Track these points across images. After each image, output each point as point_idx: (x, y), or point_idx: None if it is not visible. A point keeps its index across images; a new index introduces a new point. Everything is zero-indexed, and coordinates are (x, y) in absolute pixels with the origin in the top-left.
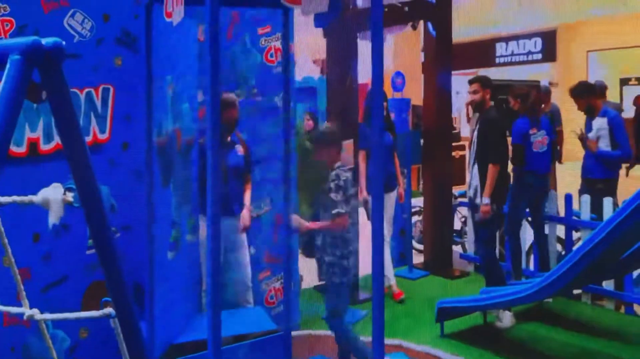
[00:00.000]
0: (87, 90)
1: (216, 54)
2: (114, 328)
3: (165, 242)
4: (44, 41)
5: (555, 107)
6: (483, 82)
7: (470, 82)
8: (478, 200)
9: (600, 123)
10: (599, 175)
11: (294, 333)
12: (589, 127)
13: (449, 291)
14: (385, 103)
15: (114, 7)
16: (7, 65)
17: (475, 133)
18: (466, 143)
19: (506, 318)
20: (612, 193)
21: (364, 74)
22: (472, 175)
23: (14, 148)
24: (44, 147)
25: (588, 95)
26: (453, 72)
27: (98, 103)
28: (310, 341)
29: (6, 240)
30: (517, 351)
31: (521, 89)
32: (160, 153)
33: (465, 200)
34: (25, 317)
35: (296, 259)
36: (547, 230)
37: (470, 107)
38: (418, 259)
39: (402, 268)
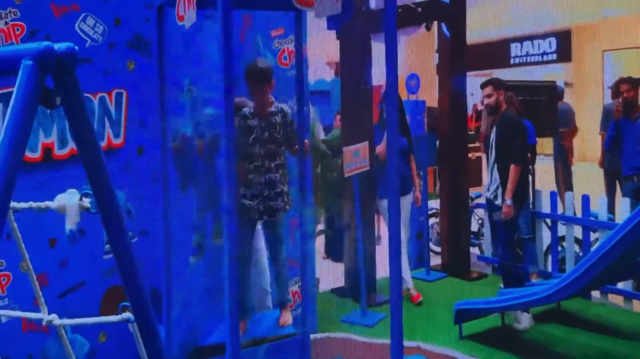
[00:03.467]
0: (100, 94)
1: (229, 56)
2: (133, 332)
3: (186, 247)
4: (56, 46)
5: (564, 107)
6: (496, 84)
7: (483, 86)
8: (498, 201)
9: None
10: None
11: (312, 336)
12: (612, 127)
13: (467, 293)
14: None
15: (125, 10)
16: (20, 71)
17: (493, 135)
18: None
19: (524, 320)
20: None
21: (378, 76)
22: (491, 177)
23: (28, 154)
24: (59, 153)
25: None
26: (468, 73)
27: (112, 107)
28: (328, 344)
29: (23, 246)
30: (535, 353)
31: None
32: (177, 156)
33: (482, 201)
34: (44, 323)
35: (313, 262)
36: (564, 231)
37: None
38: (435, 261)
39: (420, 270)
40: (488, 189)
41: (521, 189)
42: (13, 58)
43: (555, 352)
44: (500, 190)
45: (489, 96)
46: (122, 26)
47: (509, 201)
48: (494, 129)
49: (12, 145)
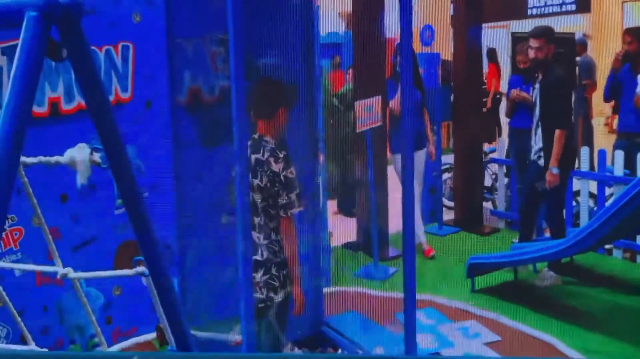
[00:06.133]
0: (106, 47)
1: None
2: (147, 286)
3: (201, 203)
4: None
5: (586, 59)
6: (548, 37)
7: (534, 37)
8: (541, 162)
9: None
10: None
11: (325, 290)
12: (610, 78)
13: (479, 247)
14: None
15: None
16: (24, 23)
17: (537, 93)
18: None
19: (548, 278)
20: None
21: (391, 28)
22: (535, 137)
23: (35, 109)
24: (66, 107)
25: None
26: (483, 25)
27: (118, 61)
28: (341, 297)
29: (35, 200)
30: (548, 306)
31: None
32: (197, 112)
33: (496, 156)
34: (58, 276)
35: (325, 217)
36: (579, 186)
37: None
38: (448, 216)
39: (432, 225)
40: (531, 149)
41: (568, 154)
42: (16, 9)
43: (568, 305)
44: (542, 153)
45: (539, 49)
46: None
47: (554, 170)
48: (538, 86)
49: (20, 98)
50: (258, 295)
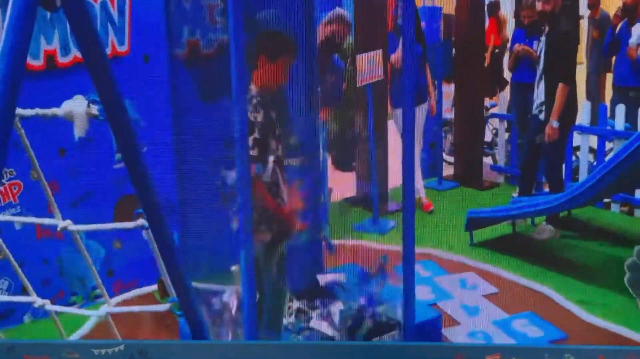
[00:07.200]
0: None
1: None
2: (148, 239)
3: (201, 158)
4: None
5: (604, 14)
6: None
7: None
8: (541, 116)
9: None
10: (633, 83)
11: (324, 243)
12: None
13: (479, 202)
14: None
15: None
16: None
17: (543, 46)
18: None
19: (546, 231)
20: None
21: None
22: (537, 91)
23: (31, 62)
24: (62, 60)
25: None
26: None
27: (114, 13)
28: (340, 250)
29: (32, 153)
30: (545, 259)
31: None
32: (195, 66)
33: (497, 111)
34: (59, 228)
35: (325, 171)
36: (580, 141)
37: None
38: (448, 171)
39: (432, 179)
40: (533, 103)
41: (569, 109)
42: None
43: (564, 258)
44: (544, 107)
45: (547, 1)
46: None
47: (555, 124)
48: (544, 40)
49: (14, 48)
50: None
